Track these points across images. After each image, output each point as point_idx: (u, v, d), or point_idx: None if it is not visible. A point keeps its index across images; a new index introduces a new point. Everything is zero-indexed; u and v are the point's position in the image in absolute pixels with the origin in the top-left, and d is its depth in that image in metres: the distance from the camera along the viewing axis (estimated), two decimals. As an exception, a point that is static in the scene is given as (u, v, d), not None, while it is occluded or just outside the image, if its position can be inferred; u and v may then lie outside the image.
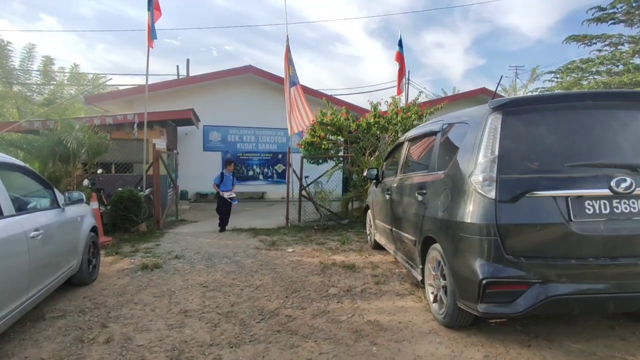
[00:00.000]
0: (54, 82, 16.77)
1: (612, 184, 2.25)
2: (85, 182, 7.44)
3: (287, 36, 7.45)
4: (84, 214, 4.03)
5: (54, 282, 3.11)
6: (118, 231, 6.77)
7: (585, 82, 15.61)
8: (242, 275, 4.29)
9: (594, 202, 2.30)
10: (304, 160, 8.45)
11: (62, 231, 3.41)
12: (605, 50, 15.26)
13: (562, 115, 2.55)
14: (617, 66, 14.99)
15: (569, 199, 2.30)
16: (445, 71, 73.59)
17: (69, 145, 6.50)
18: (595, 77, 15.55)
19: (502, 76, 3.37)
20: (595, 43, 15.31)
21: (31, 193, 3.40)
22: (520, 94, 26.36)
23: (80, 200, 3.83)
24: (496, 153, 2.41)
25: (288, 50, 7.46)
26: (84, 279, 3.84)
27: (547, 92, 13.70)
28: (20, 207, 2.89)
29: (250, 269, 4.56)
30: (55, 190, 3.58)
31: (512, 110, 2.53)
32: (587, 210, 2.30)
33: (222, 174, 7.22)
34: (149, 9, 7.86)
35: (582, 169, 2.37)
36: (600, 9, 14.70)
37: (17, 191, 3.11)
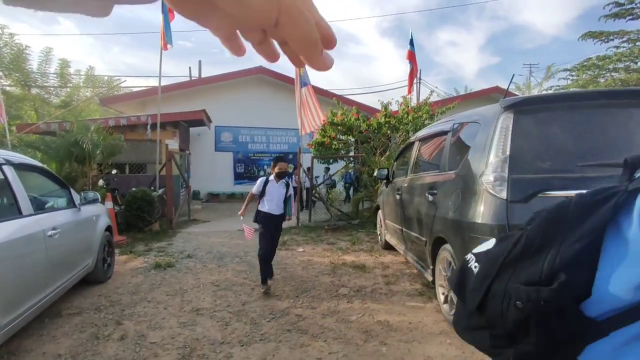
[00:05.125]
0: (70, 85, 17.17)
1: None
2: (100, 182, 7.59)
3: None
4: (99, 213, 4.12)
5: (70, 280, 3.19)
6: (132, 230, 6.90)
7: (602, 80, 15.21)
8: (253, 274, 4.32)
9: (608, 202, 2.25)
10: (315, 160, 8.47)
11: (78, 230, 3.50)
12: (623, 47, 14.81)
13: (576, 114, 2.50)
14: (636, 63, 14.58)
15: (582, 199, 2.25)
16: (459, 70, 72.80)
17: (84, 146, 6.66)
18: (613, 74, 15.12)
19: (513, 75, 3.34)
20: (613, 39, 14.87)
21: (48, 193, 3.50)
22: (535, 92, 25.88)
23: (95, 200, 3.92)
24: (507, 153, 2.38)
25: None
26: (99, 277, 3.93)
27: (561, 91, 13.42)
28: (38, 207, 2.98)
29: (261, 268, 4.59)
30: (72, 190, 3.67)
31: (524, 109, 2.50)
32: (601, 211, 2.25)
33: None
34: (162, 12, 7.98)
35: (596, 169, 2.32)
36: (618, 4, 14.30)
37: (35, 191, 3.21)
